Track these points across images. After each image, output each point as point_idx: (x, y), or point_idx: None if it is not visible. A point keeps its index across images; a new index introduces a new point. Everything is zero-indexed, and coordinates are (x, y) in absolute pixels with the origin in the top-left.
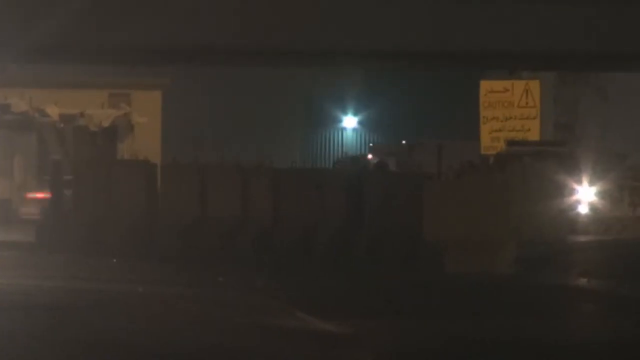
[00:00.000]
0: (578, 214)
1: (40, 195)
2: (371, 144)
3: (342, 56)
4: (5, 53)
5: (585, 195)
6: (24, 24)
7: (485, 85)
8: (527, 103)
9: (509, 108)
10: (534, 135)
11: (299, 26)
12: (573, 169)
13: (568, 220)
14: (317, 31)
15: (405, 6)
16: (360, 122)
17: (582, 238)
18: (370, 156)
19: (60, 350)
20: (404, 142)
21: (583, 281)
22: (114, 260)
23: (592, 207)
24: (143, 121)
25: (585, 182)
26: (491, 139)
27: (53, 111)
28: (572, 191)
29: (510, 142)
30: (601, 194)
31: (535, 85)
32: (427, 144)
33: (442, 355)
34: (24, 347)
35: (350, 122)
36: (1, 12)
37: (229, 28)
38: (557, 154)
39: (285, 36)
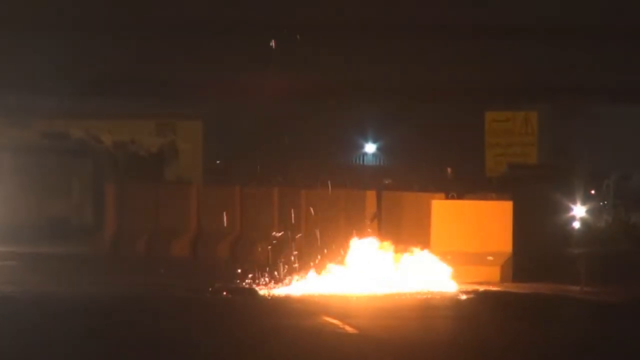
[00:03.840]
0: (572, 229)
1: None
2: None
3: (364, 92)
4: (66, 87)
5: (578, 212)
6: (82, 63)
7: (489, 115)
8: (526, 131)
9: (510, 135)
10: (531, 159)
11: (325, 67)
12: (567, 189)
13: (563, 235)
14: (340, 72)
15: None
16: (379, 148)
17: (577, 250)
18: None
19: (112, 347)
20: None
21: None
22: (161, 270)
23: (584, 223)
24: (186, 147)
25: (578, 201)
26: (495, 162)
27: (107, 139)
28: (566, 209)
29: (511, 166)
30: (591, 211)
31: (533, 116)
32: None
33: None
34: (80, 346)
35: (370, 148)
36: (62, 53)
37: (261, 68)
38: (553, 175)
39: (314, 76)
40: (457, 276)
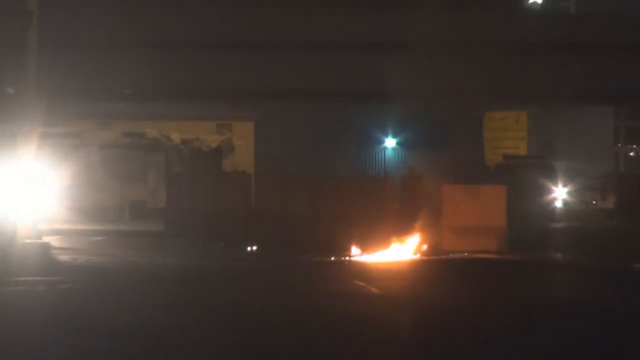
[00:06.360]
0: (555, 207)
1: None
2: None
3: (385, 95)
4: (143, 95)
5: (560, 194)
6: (156, 76)
7: (488, 115)
8: (518, 128)
9: (505, 131)
10: (522, 151)
11: (357, 76)
12: (551, 175)
13: (549, 212)
14: (370, 79)
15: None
16: (398, 143)
17: (559, 225)
18: None
19: (180, 313)
20: None
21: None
22: (221, 244)
23: (565, 202)
24: (241, 143)
25: (560, 184)
26: (492, 154)
27: (176, 137)
28: (550, 191)
29: (506, 156)
30: (571, 193)
31: (523, 115)
32: None
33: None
34: (155, 310)
35: (390, 142)
36: (138, 67)
37: (304, 77)
38: (540, 164)
39: (347, 82)
40: (462, 246)
